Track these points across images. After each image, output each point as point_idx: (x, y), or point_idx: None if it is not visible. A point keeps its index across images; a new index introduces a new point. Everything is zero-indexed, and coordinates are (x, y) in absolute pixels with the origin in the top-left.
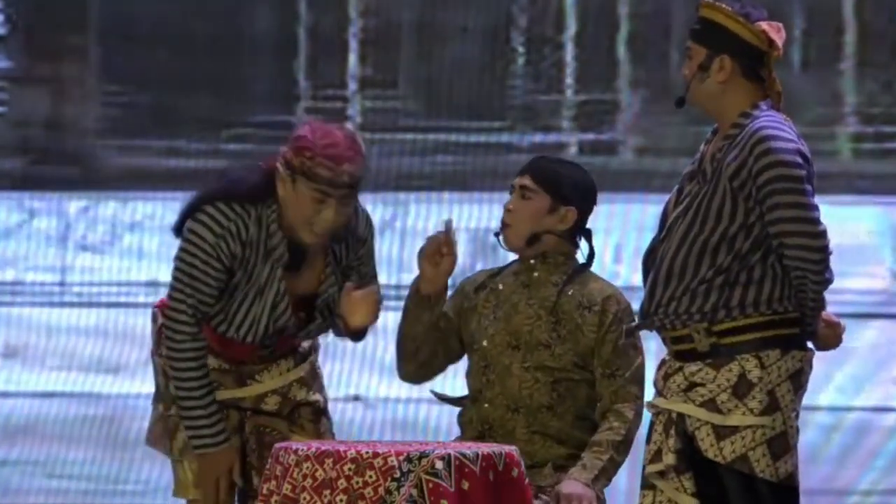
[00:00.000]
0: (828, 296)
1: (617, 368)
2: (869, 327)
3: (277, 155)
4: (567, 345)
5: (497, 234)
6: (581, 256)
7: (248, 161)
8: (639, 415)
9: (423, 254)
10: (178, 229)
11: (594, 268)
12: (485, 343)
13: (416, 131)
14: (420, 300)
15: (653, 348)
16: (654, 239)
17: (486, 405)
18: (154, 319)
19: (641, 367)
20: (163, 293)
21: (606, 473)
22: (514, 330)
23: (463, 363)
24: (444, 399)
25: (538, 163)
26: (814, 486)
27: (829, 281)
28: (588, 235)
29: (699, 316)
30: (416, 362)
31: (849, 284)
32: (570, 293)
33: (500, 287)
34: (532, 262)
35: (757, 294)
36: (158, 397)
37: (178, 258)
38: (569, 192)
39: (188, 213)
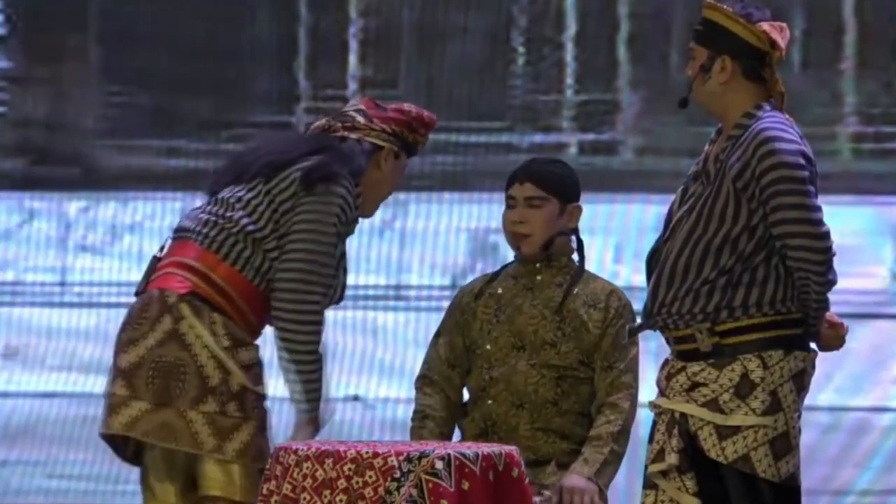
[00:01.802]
0: (828, 296)
1: (615, 361)
2: (869, 327)
3: (356, 131)
4: (572, 343)
5: (518, 249)
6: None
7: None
8: (633, 404)
9: None
10: (308, 185)
11: (594, 268)
12: (488, 346)
13: None
14: None
15: (654, 348)
16: (658, 239)
17: (490, 402)
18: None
19: (636, 358)
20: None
21: (610, 466)
22: (517, 331)
23: None
24: None
25: (534, 169)
26: (812, 486)
27: (833, 282)
28: (576, 231)
29: (702, 316)
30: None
31: (849, 284)
32: (575, 292)
33: (500, 291)
34: (537, 265)
35: (760, 295)
36: (202, 396)
37: (322, 218)
38: (570, 190)
39: (324, 177)
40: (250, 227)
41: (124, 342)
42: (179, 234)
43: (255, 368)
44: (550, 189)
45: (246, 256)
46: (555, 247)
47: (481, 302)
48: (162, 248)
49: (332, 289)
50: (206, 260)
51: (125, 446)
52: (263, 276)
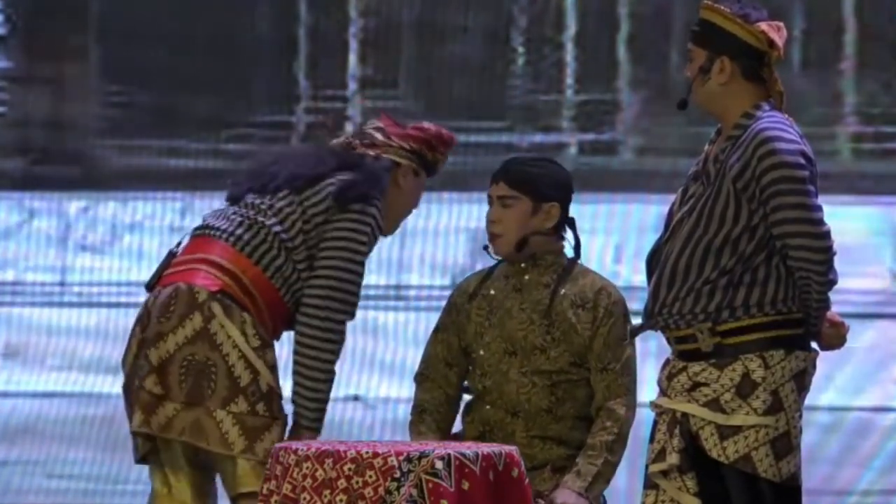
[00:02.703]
0: (829, 295)
1: (609, 362)
2: (869, 327)
3: (375, 148)
4: (562, 347)
5: (486, 247)
6: (568, 247)
7: (249, 161)
8: (631, 408)
9: None
10: (343, 203)
11: (594, 266)
12: (481, 352)
13: None
14: None
15: (654, 348)
16: (659, 240)
17: (488, 407)
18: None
19: (632, 358)
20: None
21: (602, 477)
22: (508, 336)
23: None
24: None
25: (509, 167)
26: (813, 486)
27: (834, 281)
28: (572, 224)
29: (703, 316)
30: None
31: (849, 284)
32: (562, 293)
33: (492, 292)
34: (523, 265)
35: (761, 295)
36: (232, 396)
37: (355, 237)
38: (546, 189)
39: (358, 196)
40: (283, 235)
41: (153, 336)
42: (203, 231)
43: (276, 370)
44: (521, 188)
45: (277, 265)
46: (533, 247)
47: (475, 304)
48: (179, 244)
49: (356, 306)
50: (237, 261)
51: (143, 444)
52: (290, 288)
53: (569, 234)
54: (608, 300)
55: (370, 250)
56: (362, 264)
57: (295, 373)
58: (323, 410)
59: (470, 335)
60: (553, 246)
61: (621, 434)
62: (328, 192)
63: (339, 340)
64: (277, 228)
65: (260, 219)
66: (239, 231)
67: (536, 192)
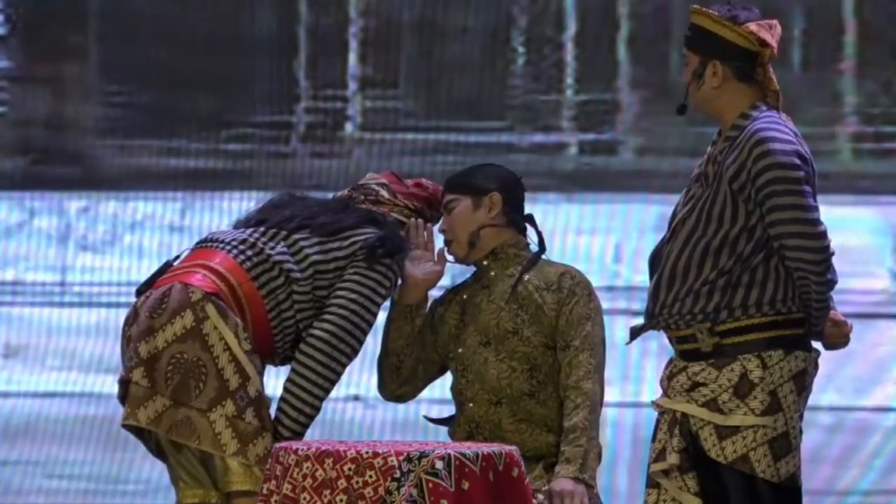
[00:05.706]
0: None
1: (571, 339)
2: (869, 328)
3: (381, 205)
4: (534, 327)
5: (440, 251)
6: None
7: (249, 161)
8: (597, 381)
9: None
10: (374, 256)
11: (594, 268)
12: (459, 350)
13: (416, 131)
14: (401, 310)
15: (654, 348)
16: (661, 240)
17: (471, 405)
18: (221, 313)
19: (593, 335)
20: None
21: (590, 454)
22: (482, 328)
23: (447, 379)
24: (435, 422)
25: (449, 178)
26: (815, 487)
27: (833, 281)
28: (531, 221)
29: (702, 316)
30: (399, 379)
31: (849, 285)
32: (526, 279)
33: (464, 296)
34: (486, 263)
35: (759, 295)
36: (220, 398)
37: (377, 288)
38: (482, 181)
39: (389, 253)
40: (290, 265)
41: (144, 330)
42: (205, 243)
43: (262, 376)
44: (459, 189)
45: (274, 286)
46: (487, 241)
47: (449, 308)
48: (177, 258)
49: (357, 354)
50: (235, 272)
51: (149, 438)
52: (280, 314)
53: (533, 234)
54: (571, 281)
55: (381, 304)
56: (375, 316)
57: (282, 399)
58: (300, 434)
59: (445, 336)
60: (511, 239)
61: (594, 407)
62: (357, 241)
63: (335, 381)
64: (286, 258)
65: (271, 244)
66: (243, 247)
67: (473, 188)
